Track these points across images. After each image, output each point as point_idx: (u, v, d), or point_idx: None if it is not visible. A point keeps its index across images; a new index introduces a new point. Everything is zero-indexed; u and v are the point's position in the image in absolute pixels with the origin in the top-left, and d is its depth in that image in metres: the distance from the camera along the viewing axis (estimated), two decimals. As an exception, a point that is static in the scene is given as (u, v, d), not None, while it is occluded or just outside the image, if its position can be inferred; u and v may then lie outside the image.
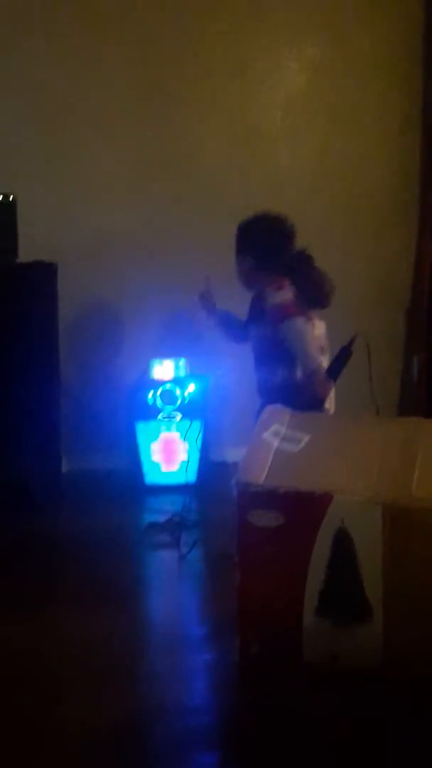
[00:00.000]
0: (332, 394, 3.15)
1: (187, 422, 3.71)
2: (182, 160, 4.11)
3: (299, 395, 2.88)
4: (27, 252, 3.56)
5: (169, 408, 3.74)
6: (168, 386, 3.75)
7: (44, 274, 3.53)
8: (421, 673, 2.00)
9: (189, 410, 3.74)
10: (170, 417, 3.74)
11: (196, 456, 3.70)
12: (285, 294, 2.98)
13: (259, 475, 2.12)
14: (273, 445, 2.22)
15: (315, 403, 2.88)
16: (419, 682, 2.00)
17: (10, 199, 3.56)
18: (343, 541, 2.04)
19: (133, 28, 4.05)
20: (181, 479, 3.70)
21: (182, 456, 3.71)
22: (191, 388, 3.75)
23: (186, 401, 3.74)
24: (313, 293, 3.24)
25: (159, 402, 3.74)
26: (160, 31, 4.07)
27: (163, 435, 3.76)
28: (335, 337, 3.36)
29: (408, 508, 2.00)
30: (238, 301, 3.22)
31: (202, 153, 4.14)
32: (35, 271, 3.53)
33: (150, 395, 3.74)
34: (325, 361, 3.04)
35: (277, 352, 2.99)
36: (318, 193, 4.13)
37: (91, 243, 4.03)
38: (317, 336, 3.25)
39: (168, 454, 3.76)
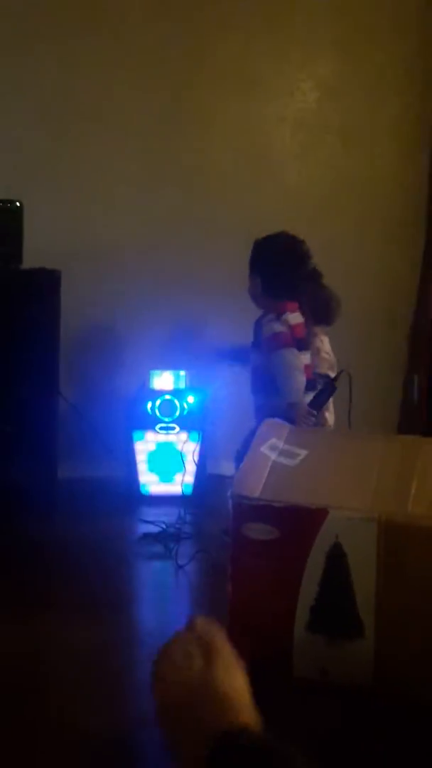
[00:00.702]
0: (331, 407, 3.17)
1: (184, 434, 3.71)
2: (189, 174, 4.13)
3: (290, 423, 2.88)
4: (31, 259, 3.57)
5: (167, 419, 3.74)
6: (167, 397, 3.75)
7: (48, 281, 3.53)
8: (412, 691, 1.99)
9: (187, 422, 3.74)
10: (168, 428, 3.74)
11: (193, 468, 3.70)
12: (281, 325, 2.98)
13: (255, 489, 2.12)
14: (270, 459, 2.21)
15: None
16: (409, 700, 1.98)
17: (17, 205, 3.56)
18: (337, 557, 2.03)
19: (145, 40, 4.08)
20: (177, 490, 3.69)
21: (179, 467, 3.70)
22: (190, 400, 3.75)
23: (185, 413, 3.74)
24: (321, 310, 3.29)
25: (157, 413, 3.74)
26: (172, 43, 4.09)
27: (161, 446, 3.75)
28: (336, 354, 3.38)
29: (403, 525, 1.99)
30: (240, 318, 3.24)
31: (210, 167, 4.16)
32: (39, 278, 3.53)
33: (149, 406, 3.74)
34: (332, 374, 3.08)
35: (270, 379, 3.00)
36: (325, 212, 4.14)
37: (96, 252, 4.04)
38: (326, 351, 3.28)
39: (164, 465, 3.76)
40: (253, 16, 4.15)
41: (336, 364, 3.33)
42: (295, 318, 3.06)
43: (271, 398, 3.00)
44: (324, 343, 3.38)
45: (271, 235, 3.08)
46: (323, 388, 3.00)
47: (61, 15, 4.03)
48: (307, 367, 3.09)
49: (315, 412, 2.96)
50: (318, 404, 2.97)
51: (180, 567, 2.94)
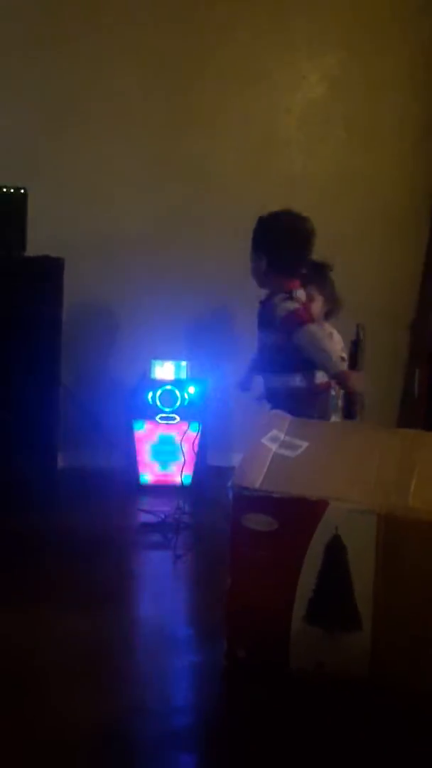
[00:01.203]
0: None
1: (185, 424, 3.71)
2: (194, 164, 4.12)
3: (309, 403, 2.88)
4: (35, 246, 3.57)
5: (167, 409, 3.74)
6: (168, 387, 3.75)
7: (51, 269, 3.53)
8: (408, 684, 1.99)
9: (188, 412, 3.73)
10: (169, 418, 3.74)
11: (193, 458, 3.70)
12: (294, 302, 2.96)
13: (255, 479, 2.12)
14: (271, 450, 2.21)
15: (354, 400, 2.86)
16: (405, 693, 1.99)
17: (22, 192, 3.56)
18: (336, 549, 2.03)
19: (152, 32, 4.07)
20: (176, 481, 3.69)
21: (179, 457, 3.70)
22: (191, 390, 3.75)
23: (185, 403, 3.74)
24: (329, 305, 3.28)
25: (158, 403, 3.74)
26: (179, 36, 4.09)
27: (161, 435, 3.76)
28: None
29: (403, 518, 1.99)
30: (247, 303, 3.23)
31: (215, 158, 4.15)
32: (42, 266, 3.52)
33: (149, 396, 3.74)
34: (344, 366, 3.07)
35: (289, 360, 2.97)
36: (329, 204, 4.13)
37: (99, 241, 4.03)
38: (338, 343, 3.29)
39: (164, 454, 3.76)
40: (261, 9, 4.13)
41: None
42: (302, 295, 3.04)
43: (287, 378, 2.99)
44: (335, 336, 3.40)
45: (276, 212, 3.04)
46: (351, 347, 2.94)
47: (67, 9, 4.01)
48: None
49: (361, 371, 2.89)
50: (356, 362, 2.89)
51: (179, 557, 2.95)
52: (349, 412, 2.92)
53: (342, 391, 3.02)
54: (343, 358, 3.27)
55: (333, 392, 3.21)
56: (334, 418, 3.18)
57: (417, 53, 4.21)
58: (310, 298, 3.15)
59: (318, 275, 3.29)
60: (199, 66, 4.12)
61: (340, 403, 3.22)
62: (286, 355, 2.96)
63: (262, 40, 4.14)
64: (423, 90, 4.22)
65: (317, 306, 3.30)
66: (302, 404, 2.82)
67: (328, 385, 3.07)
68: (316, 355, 2.90)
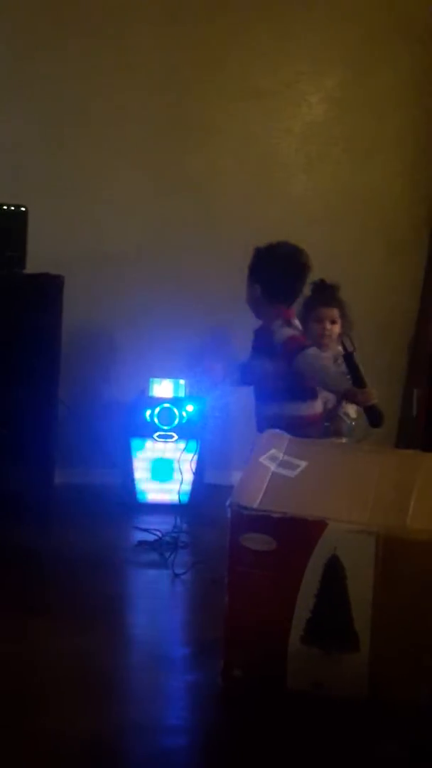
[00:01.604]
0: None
1: (183, 442, 3.71)
2: (194, 183, 4.14)
3: (307, 431, 2.87)
4: (34, 264, 3.58)
5: (165, 427, 3.74)
6: (166, 405, 3.75)
7: (50, 286, 3.54)
8: (405, 705, 1.99)
9: (186, 431, 3.73)
10: (166, 436, 3.74)
11: (191, 476, 3.69)
12: (292, 329, 2.98)
13: (254, 499, 2.12)
14: (269, 470, 2.21)
15: (373, 411, 2.86)
16: (402, 714, 1.98)
17: (22, 210, 3.57)
18: (334, 570, 2.03)
19: (152, 50, 4.10)
20: (174, 499, 3.69)
21: (176, 476, 3.70)
22: (189, 408, 3.75)
23: (183, 421, 3.74)
24: (346, 327, 3.30)
25: (156, 421, 3.74)
26: (179, 53, 4.11)
27: (158, 454, 3.75)
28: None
29: (401, 539, 1.99)
30: (245, 322, 3.24)
31: (215, 177, 4.17)
32: (41, 283, 3.53)
33: (147, 413, 3.74)
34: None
35: (289, 387, 2.98)
36: (328, 223, 4.15)
37: (98, 259, 4.05)
38: (339, 361, 3.30)
39: (162, 472, 3.76)
40: (262, 28, 4.16)
41: None
42: (298, 325, 3.06)
43: (287, 406, 2.99)
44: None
45: (273, 243, 3.08)
46: (346, 362, 2.93)
47: (66, 25, 4.04)
48: None
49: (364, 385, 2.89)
50: (357, 378, 2.89)
51: (177, 576, 2.94)
52: (373, 423, 2.91)
53: (359, 408, 3.03)
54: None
55: (343, 415, 3.23)
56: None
57: (417, 73, 4.24)
58: (323, 320, 3.16)
59: (331, 296, 3.32)
60: (199, 84, 4.15)
61: (353, 424, 3.24)
62: (286, 382, 2.97)
63: (263, 60, 4.18)
64: (423, 110, 4.25)
65: (336, 328, 3.32)
66: (300, 433, 2.82)
67: (318, 416, 3.08)
68: (318, 378, 2.91)
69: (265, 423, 2.98)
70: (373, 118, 4.26)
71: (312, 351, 2.91)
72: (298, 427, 2.88)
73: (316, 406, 3.05)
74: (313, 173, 4.24)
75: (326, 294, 3.37)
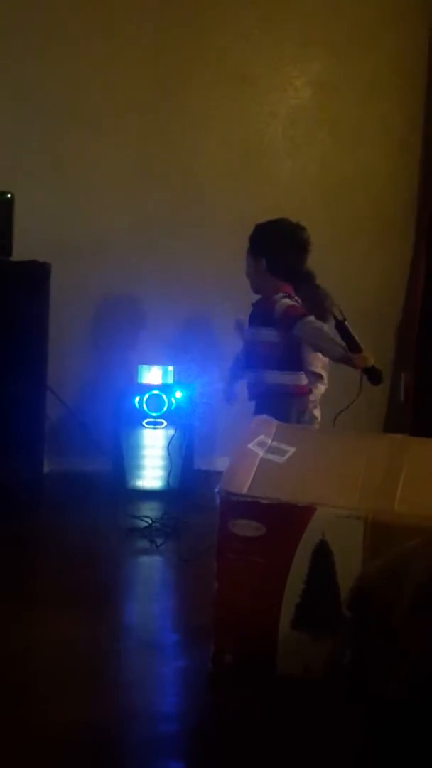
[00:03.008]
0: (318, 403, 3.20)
1: (172, 428, 3.71)
2: (182, 168, 4.12)
3: (291, 401, 2.91)
4: (21, 251, 3.56)
5: (155, 414, 3.74)
6: (155, 392, 3.75)
7: (38, 273, 3.52)
8: (394, 690, 2.00)
9: (174, 417, 3.73)
10: (156, 423, 3.74)
11: (180, 463, 3.70)
12: (292, 300, 3.01)
13: (243, 485, 2.12)
14: (258, 456, 2.21)
15: (372, 373, 2.90)
16: (392, 699, 1.99)
17: (8, 196, 3.55)
18: (322, 555, 2.03)
19: (140, 36, 4.08)
20: (163, 485, 3.69)
21: (165, 462, 3.70)
22: (178, 395, 3.75)
23: (172, 408, 3.74)
24: (316, 309, 3.32)
25: (145, 407, 3.74)
26: (166, 40, 4.09)
27: (147, 440, 3.75)
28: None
29: (389, 523, 2.00)
30: (234, 308, 3.24)
31: (203, 162, 4.16)
32: (29, 270, 3.52)
33: (136, 400, 3.74)
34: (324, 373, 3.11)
35: (285, 357, 3.01)
36: (314, 208, 4.14)
37: (86, 246, 4.03)
38: (320, 355, 3.32)
39: (151, 459, 3.76)
40: (248, 14, 4.14)
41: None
42: (298, 299, 3.09)
43: (278, 375, 3.04)
44: None
45: (274, 219, 3.12)
46: (338, 330, 2.97)
47: (58, 13, 4.01)
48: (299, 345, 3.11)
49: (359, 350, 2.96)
50: (352, 344, 2.94)
51: (165, 562, 2.94)
52: (374, 382, 3.00)
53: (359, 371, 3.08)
54: (319, 375, 3.33)
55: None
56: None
57: (402, 57, 4.23)
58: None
59: (301, 283, 3.32)
60: (185, 69, 4.13)
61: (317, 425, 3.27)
62: (282, 351, 3.01)
63: (249, 45, 4.16)
64: (408, 94, 4.25)
65: None
66: (284, 402, 2.86)
67: (305, 389, 3.12)
68: (319, 344, 2.97)
69: (254, 389, 3.01)
70: (359, 101, 4.25)
71: (311, 318, 2.95)
72: (283, 396, 2.92)
73: (303, 379, 3.08)
74: (299, 157, 4.23)
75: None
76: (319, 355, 3.36)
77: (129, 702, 2.04)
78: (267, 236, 3.11)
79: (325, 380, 3.31)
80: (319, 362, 3.37)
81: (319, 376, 3.35)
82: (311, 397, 3.26)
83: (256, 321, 3.11)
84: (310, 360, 3.33)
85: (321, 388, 3.35)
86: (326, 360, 3.35)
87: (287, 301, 3.01)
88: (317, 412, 3.29)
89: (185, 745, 1.90)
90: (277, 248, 3.09)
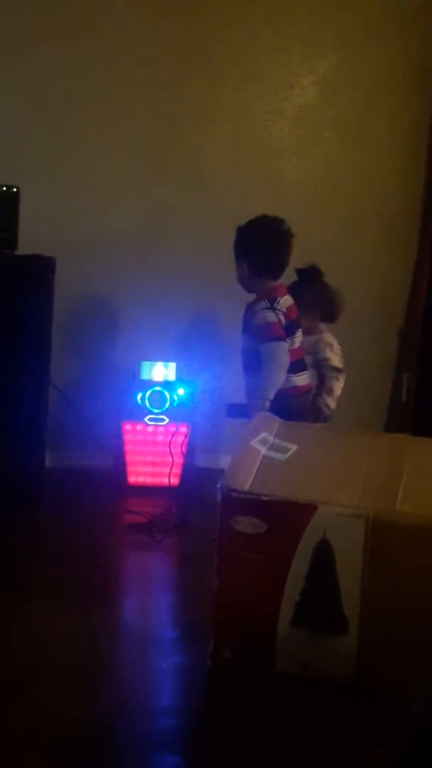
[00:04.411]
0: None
1: (174, 425, 3.71)
2: (186, 165, 4.12)
3: (285, 404, 2.91)
4: (25, 245, 3.56)
5: (156, 410, 3.74)
6: (157, 389, 3.75)
7: (42, 268, 3.52)
8: (392, 688, 2.00)
9: (177, 414, 3.74)
10: (158, 419, 3.74)
11: (181, 460, 3.70)
12: (274, 314, 2.99)
13: (245, 482, 2.12)
14: (260, 453, 2.22)
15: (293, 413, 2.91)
16: (389, 696, 1.99)
17: (14, 190, 3.55)
18: (323, 553, 2.04)
19: (146, 30, 4.06)
20: (164, 482, 3.70)
21: (167, 458, 3.70)
22: (180, 392, 3.75)
23: (174, 404, 3.74)
24: (325, 308, 3.34)
25: (147, 404, 3.74)
26: (172, 35, 4.08)
27: (149, 437, 3.76)
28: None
29: (390, 522, 2.01)
30: (236, 305, 3.25)
31: (207, 159, 4.15)
32: (33, 265, 3.51)
33: (138, 396, 3.74)
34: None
35: (259, 361, 3.03)
36: (320, 207, 4.14)
37: (90, 241, 4.03)
38: (337, 346, 3.35)
39: (153, 455, 3.76)
40: (255, 11, 4.14)
41: (342, 358, 3.43)
42: (287, 300, 3.08)
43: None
44: (332, 338, 3.46)
45: (253, 219, 3.13)
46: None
47: (61, 7, 4.00)
48: (299, 347, 3.11)
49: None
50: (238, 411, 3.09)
51: (186, 557, 2.92)
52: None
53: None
54: (339, 369, 3.36)
55: (323, 406, 3.32)
56: None
57: (410, 57, 4.22)
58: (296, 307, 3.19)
59: (309, 281, 3.34)
60: (192, 66, 4.12)
61: (330, 414, 3.34)
62: (255, 358, 3.02)
63: (256, 43, 4.15)
64: (415, 93, 4.24)
65: (313, 317, 3.36)
66: (279, 404, 2.86)
67: (306, 388, 3.12)
68: (263, 372, 2.96)
69: (252, 394, 3.01)
70: (365, 101, 4.24)
71: (274, 345, 2.95)
72: (282, 399, 2.92)
73: (292, 381, 3.07)
74: (305, 156, 4.23)
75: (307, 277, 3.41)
76: (336, 348, 3.41)
77: (127, 697, 2.05)
78: (244, 239, 3.11)
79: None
80: (336, 356, 3.41)
81: (339, 370, 3.41)
82: (324, 392, 3.33)
83: (246, 326, 3.13)
84: (328, 355, 3.37)
85: (341, 381, 3.38)
86: (340, 353, 3.40)
87: (267, 315, 2.99)
88: (331, 402, 3.35)
89: (183, 740, 1.91)
90: (255, 248, 3.08)
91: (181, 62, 4.10)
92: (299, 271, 3.36)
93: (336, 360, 3.42)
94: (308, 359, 3.29)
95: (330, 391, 3.39)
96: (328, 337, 3.45)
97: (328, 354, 3.41)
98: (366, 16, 4.19)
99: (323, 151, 4.23)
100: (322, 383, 3.39)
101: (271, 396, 2.94)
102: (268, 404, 2.90)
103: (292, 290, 3.21)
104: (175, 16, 4.08)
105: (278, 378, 2.95)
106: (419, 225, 4.24)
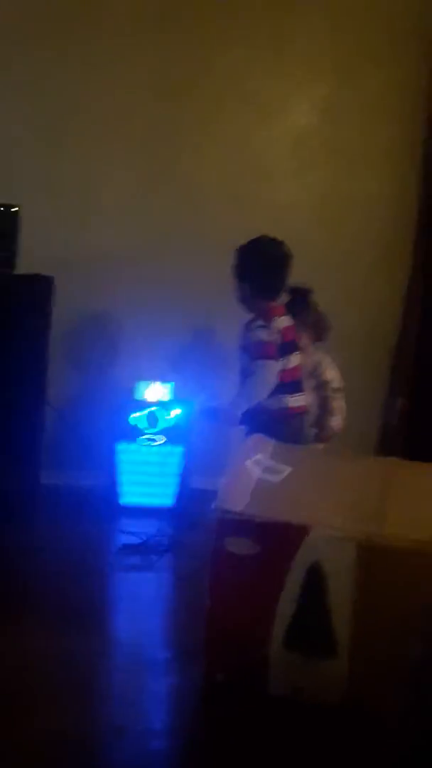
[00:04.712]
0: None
1: (169, 446, 3.72)
2: (185, 187, 4.15)
3: (279, 424, 2.92)
4: (24, 264, 3.58)
5: (151, 431, 3.75)
6: (153, 409, 3.76)
7: (40, 287, 3.54)
8: (383, 710, 2.01)
9: (172, 434, 3.75)
10: (152, 440, 3.75)
11: (176, 480, 3.70)
12: (268, 334, 3.01)
13: (238, 503, 2.14)
14: (254, 475, 2.23)
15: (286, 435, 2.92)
16: (380, 719, 2.00)
17: (13, 210, 3.57)
18: (315, 575, 2.05)
19: (147, 54, 4.10)
20: (159, 503, 3.70)
21: (162, 479, 3.71)
22: (176, 412, 3.77)
23: (169, 425, 3.75)
24: (316, 328, 3.37)
25: (143, 424, 3.75)
26: (173, 58, 4.12)
27: (144, 457, 3.76)
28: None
29: (380, 545, 2.02)
30: (233, 325, 3.27)
31: (205, 181, 4.18)
32: (31, 284, 3.54)
33: (133, 416, 3.75)
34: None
35: None
36: (315, 230, 4.17)
37: (88, 260, 4.05)
38: (335, 373, 3.37)
39: (147, 476, 3.77)
40: (255, 35, 4.18)
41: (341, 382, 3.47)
42: (284, 321, 3.10)
43: (269, 398, 3.04)
44: (329, 359, 3.50)
45: (252, 239, 3.15)
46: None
47: (60, 23, 4.05)
48: (295, 368, 3.13)
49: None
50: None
51: (179, 578, 2.92)
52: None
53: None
54: (338, 389, 3.37)
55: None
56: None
57: (407, 83, 4.26)
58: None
59: (298, 301, 3.36)
60: (192, 88, 4.15)
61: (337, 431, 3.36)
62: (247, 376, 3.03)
63: (256, 66, 4.19)
64: (412, 118, 4.27)
65: (307, 336, 3.38)
66: (272, 425, 2.86)
67: (301, 409, 3.13)
68: (247, 384, 2.99)
69: (247, 414, 3.02)
70: (364, 126, 4.27)
71: (264, 365, 2.97)
72: (268, 420, 2.93)
73: (287, 402, 3.08)
74: (303, 179, 4.26)
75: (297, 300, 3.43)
76: (336, 369, 3.44)
77: (120, 718, 2.05)
78: (244, 260, 3.13)
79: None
80: (337, 377, 3.44)
81: (341, 390, 3.45)
82: (333, 413, 3.38)
83: (241, 346, 3.15)
84: (331, 376, 3.42)
85: (343, 400, 3.43)
86: (340, 382, 3.42)
87: (261, 334, 3.01)
88: (340, 422, 3.40)
89: (176, 761, 1.91)
90: (256, 270, 3.10)
91: (181, 84, 4.14)
92: (292, 290, 3.39)
93: (338, 381, 3.45)
94: (311, 382, 3.32)
95: (340, 411, 3.42)
96: (327, 358, 3.48)
97: (331, 375, 3.44)
98: (364, 40, 4.23)
99: (321, 175, 4.26)
100: (326, 404, 3.41)
101: (243, 409, 2.95)
102: (239, 414, 2.92)
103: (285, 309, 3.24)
104: (175, 38, 4.12)
105: (256, 394, 2.97)
106: (413, 250, 4.27)
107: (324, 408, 3.40)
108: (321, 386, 3.42)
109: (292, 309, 3.29)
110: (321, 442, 3.37)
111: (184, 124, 4.16)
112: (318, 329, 3.44)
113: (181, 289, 4.11)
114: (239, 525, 2.10)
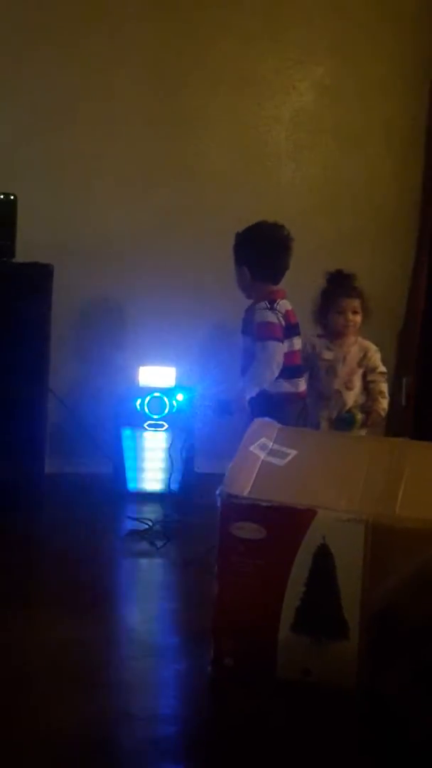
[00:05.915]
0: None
1: (173, 431, 3.70)
2: (184, 171, 4.12)
3: (283, 408, 2.92)
4: (24, 252, 3.56)
5: (156, 416, 3.73)
6: (156, 395, 3.75)
7: (40, 275, 3.52)
8: (393, 693, 2.00)
9: (176, 419, 3.73)
10: (157, 425, 3.73)
11: (180, 465, 3.69)
12: (274, 314, 2.99)
13: (244, 487, 2.12)
14: (259, 458, 2.22)
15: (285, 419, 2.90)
16: (390, 702, 1.99)
17: (11, 198, 3.55)
18: (323, 558, 2.03)
19: (142, 37, 4.07)
20: (164, 488, 3.69)
21: (166, 464, 3.70)
22: (179, 397, 3.75)
23: (173, 410, 3.74)
24: (363, 314, 3.35)
25: (146, 410, 3.73)
26: (170, 41, 4.09)
27: (148, 442, 3.75)
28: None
29: (390, 527, 2.00)
30: (236, 311, 3.25)
31: (205, 164, 4.16)
32: (31, 272, 3.52)
33: (137, 402, 3.73)
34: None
35: None
36: (317, 212, 4.15)
37: (89, 247, 4.03)
38: (350, 359, 3.34)
39: (152, 461, 3.76)
40: (252, 16, 4.14)
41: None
42: (286, 304, 3.09)
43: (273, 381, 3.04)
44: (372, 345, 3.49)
45: (252, 225, 3.14)
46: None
47: (59, 12, 4.01)
48: (296, 352, 3.12)
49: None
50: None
51: (186, 563, 2.91)
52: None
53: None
54: (383, 373, 3.41)
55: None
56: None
57: (405, 61, 4.23)
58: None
59: (345, 285, 3.34)
60: (189, 72, 4.13)
61: (359, 416, 3.31)
62: (251, 359, 3.02)
63: (253, 47, 4.16)
64: (412, 97, 4.25)
65: (359, 318, 3.37)
66: (276, 409, 2.85)
67: (300, 395, 3.12)
68: (252, 368, 2.99)
69: (252, 398, 3.01)
70: (362, 105, 4.25)
71: (272, 345, 2.96)
72: (271, 404, 2.92)
73: (292, 386, 3.07)
74: (303, 161, 4.23)
75: (345, 284, 3.40)
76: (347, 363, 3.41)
77: (128, 704, 2.04)
78: (245, 244, 3.14)
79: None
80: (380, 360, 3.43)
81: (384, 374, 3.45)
82: (380, 396, 3.35)
83: (244, 329, 3.14)
84: (378, 362, 3.43)
85: (349, 395, 3.38)
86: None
87: (267, 314, 3.00)
88: (386, 405, 3.37)
89: (184, 747, 1.90)
90: (256, 254, 3.11)
91: (179, 68, 4.11)
92: (333, 275, 3.36)
93: (382, 365, 3.45)
94: (360, 369, 3.34)
95: (385, 395, 3.40)
96: (371, 344, 3.47)
97: (377, 360, 3.42)
98: (362, 20, 4.19)
99: (320, 156, 4.24)
100: (373, 389, 3.38)
101: (254, 393, 2.94)
102: (246, 400, 2.91)
103: (325, 294, 3.23)
104: (172, 22, 4.08)
105: (265, 376, 2.96)
106: (417, 228, 4.25)
107: (371, 393, 3.37)
108: (370, 372, 3.39)
109: (334, 293, 3.28)
110: (368, 426, 3.35)
111: (180, 110, 4.13)
112: (366, 314, 3.44)
113: (183, 273, 4.09)
114: (245, 509, 2.09)
